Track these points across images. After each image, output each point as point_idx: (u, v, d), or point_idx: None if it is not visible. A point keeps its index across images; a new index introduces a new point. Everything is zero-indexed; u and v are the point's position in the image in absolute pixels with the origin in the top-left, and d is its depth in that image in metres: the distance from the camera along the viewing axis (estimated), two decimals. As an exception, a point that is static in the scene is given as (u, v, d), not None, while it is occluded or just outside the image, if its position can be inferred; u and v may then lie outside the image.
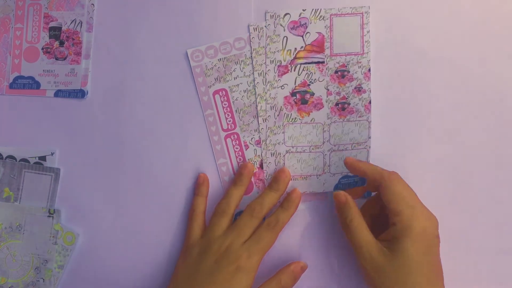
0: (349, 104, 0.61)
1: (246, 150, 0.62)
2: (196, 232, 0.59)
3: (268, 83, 0.62)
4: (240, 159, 0.62)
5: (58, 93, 0.64)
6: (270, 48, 0.62)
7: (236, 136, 0.62)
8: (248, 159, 0.62)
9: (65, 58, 0.64)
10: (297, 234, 0.61)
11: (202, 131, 0.62)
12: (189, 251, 0.58)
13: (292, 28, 0.62)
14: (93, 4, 0.64)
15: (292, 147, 0.61)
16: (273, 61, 0.62)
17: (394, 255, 0.52)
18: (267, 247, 0.57)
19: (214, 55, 0.62)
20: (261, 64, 0.62)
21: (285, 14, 0.62)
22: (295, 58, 0.62)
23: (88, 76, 0.63)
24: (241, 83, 0.62)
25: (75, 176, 0.63)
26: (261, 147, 0.62)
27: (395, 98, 0.62)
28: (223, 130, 0.62)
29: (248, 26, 0.62)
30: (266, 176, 0.62)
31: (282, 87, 0.62)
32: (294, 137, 0.61)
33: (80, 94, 0.63)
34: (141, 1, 0.63)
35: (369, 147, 0.61)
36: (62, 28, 0.64)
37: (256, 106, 0.62)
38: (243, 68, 0.62)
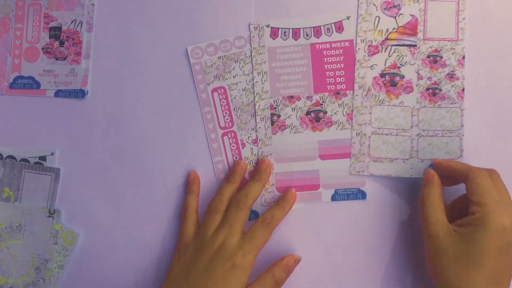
0: (440, 90, 0.60)
1: (242, 148, 0.62)
2: (190, 230, 0.59)
3: (357, 62, 0.61)
4: (236, 157, 0.62)
5: (58, 93, 0.64)
6: (361, 27, 0.61)
7: (233, 134, 0.62)
8: (245, 158, 0.62)
9: (65, 58, 0.64)
10: (292, 232, 0.61)
11: (201, 129, 0.63)
12: (183, 250, 0.58)
13: (385, 9, 0.61)
14: (93, 4, 0.64)
15: (379, 128, 0.61)
16: (363, 40, 0.61)
17: (462, 240, 0.51)
18: (261, 244, 0.57)
19: (214, 53, 0.62)
20: (261, 64, 0.62)
21: None
22: (386, 39, 0.61)
23: (88, 76, 0.63)
24: (240, 82, 0.62)
25: (75, 176, 0.63)
26: (258, 145, 0.62)
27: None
28: (220, 128, 0.62)
29: (249, 25, 0.62)
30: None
31: (372, 67, 0.61)
32: (381, 119, 0.61)
33: (80, 94, 0.63)
34: (141, 1, 0.63)
35: (462, 136, 0.60)
36: (62, 28, 0.64)
37: (254, 105, 0.62)
38: (242, 67, 0.62)
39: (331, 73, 0.62)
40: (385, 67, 0.61)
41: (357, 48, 0.61)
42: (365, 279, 0.60)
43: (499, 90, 0.61)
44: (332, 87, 0.62)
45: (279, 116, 0.62)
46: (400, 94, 0.61)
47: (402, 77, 0.61)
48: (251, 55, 0.62)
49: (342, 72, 0.62)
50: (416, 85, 0.61)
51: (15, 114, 0.64)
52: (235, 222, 0.57)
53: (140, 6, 0.63)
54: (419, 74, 0.61)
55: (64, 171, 0.63)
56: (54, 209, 0.62)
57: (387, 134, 0.61)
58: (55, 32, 0.64)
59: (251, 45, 0.62)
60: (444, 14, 0.61)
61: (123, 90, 0.63)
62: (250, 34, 0.62)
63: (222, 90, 0.62)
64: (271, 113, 0.62)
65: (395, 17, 0.61)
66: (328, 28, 0.62)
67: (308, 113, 0.62)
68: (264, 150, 0.62)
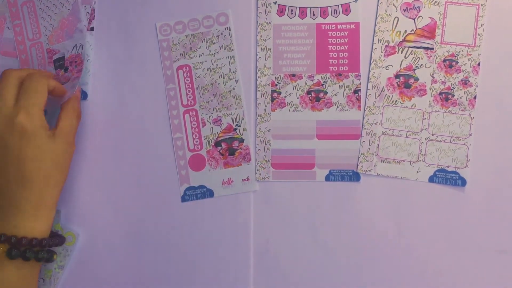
0: (453, 95, 0.61)
1: (203, 127, 0.63)
2: None
3: (373, 61, 0.62)
4: (196, 135, 0.63)
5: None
6: (379, 26, 0.62)
7: (194, 113, 0.63)
8: (204, 136, 0.63)
9: (69, 80, 0.64)
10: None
11: (163, 105, 0.64)
12: None
13: (404, 10, 0.62)
14: (93, 9, 0.66)
15: (389, 129, 0.61)
16: (381, 40, 0.62)
17: None
18: (42, 96, 0.54)
19: (182, 31, 0.64)
20: (265, 40, 0.63)
21: None
22: (404, 40, 0.62)
23: (88, 77, 0.65)
24: (205, 61, 0.63)
25: (74, 176, 0.63)
26: (240, 132, 0.63)
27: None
28: (182, 105, 0.63)
29: (256, 0, 0.63)
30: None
31: (387, 68, 0.62)
32: (392, 120, 0.61)
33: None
34: (141, 1, 0.65)
35: (470, 145, 0.60)
36: (65, 57, 0.66)
37: (256, 93, 0.63)
38: (208, 46, 0.64)
39: (335, 54, 0.63)
40: (401, 68, 0.62)
41: (373, 47, 0.62)
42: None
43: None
44: (335, 68, 0.63)
45: (279, 93, 0.63)
46: (413, 97, 0.61)
47: (417, 79, 0.61)
48: (232, 41, 0.63)
49: (345, 54, 0.63)
50: (430, 89, 0.61)
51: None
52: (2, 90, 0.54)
53: (140, 6, 0.65)
54: (433, 77, 0.61)
55: (64, 172, 0.63)
56: (54, 211, 0.62)
57: (396, 136, 0.61)
58: (60, 63, 0.66)
59: (257, 21, 0.63)
60: (463, 19, 0.61)
61: (123, 90, 0.64)
62: (257, 10, 0.63)
63: (187, 68, 0.64)
64: (272, 90, 0.63)
65: (414, 19, 0.62)
66: (335, 10, 0.63)
67: (308, 92, 0.63)
68: (262, 126, 0.62)
